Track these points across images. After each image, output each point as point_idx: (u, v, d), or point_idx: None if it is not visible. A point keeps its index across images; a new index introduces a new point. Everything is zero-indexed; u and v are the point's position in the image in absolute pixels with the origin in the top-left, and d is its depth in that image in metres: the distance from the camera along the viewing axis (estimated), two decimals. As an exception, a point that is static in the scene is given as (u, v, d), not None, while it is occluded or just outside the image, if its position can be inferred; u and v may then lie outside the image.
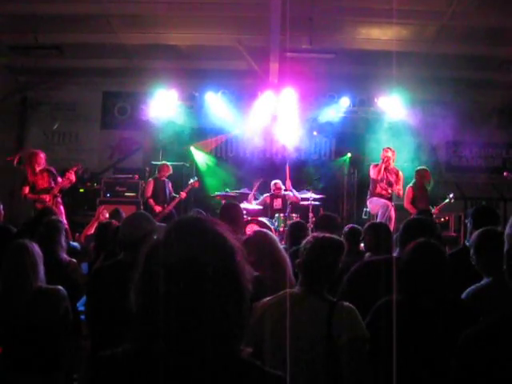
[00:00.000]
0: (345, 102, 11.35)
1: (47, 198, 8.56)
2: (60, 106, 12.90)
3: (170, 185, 10.32)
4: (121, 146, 12.95)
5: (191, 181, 10.38)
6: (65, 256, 4.57)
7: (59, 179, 8.80)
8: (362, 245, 5.44)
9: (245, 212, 9.18)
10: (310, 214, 9.77)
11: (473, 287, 3.25)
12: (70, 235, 6.69)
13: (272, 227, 9.31)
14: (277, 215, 9.91)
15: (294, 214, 9.89)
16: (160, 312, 1.28)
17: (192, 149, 12.51)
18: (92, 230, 6.62)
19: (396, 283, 2.92)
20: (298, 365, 2.68)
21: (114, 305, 2.58)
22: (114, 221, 5.73)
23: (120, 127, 12.99)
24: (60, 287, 3.69)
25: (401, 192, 9.59)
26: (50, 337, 3.58)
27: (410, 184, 9.45)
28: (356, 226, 5.66)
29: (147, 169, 11.63)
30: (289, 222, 9.41)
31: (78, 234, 7.56)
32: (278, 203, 10.51)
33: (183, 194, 10.12)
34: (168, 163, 10.40)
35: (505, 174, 9.95)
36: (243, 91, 11.44)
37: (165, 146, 11.88)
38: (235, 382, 1.33)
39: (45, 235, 4.40)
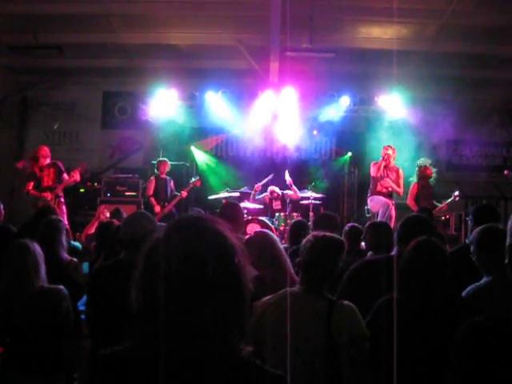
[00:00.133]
0: (345, 101, 11.35)
1: (49, 196, 8.58)
2: (60, 106, 12.91)
3: (171, 183, 10.31)
4: (121, 146, 12.95)
5: (192, 180, 10.36)
6: (65, 255, 4.57)
7: (65, 176, 8.82)
8: (363, 244, 5.45)
9: (245, 211, 9.19)
10: (311, 213, 9.77)
11: (473, 286, 3.24)
12: (70, 235, 6.70)
13: (272, 226, 9.31)
14: (277, 214, 9.91)
15: (294, 213, 9.89)
16: (160, 310, 1.27)
17: (192, 148, 12.52)
18: (93, 230, 6.63)
19: (396, 282, 2.92)
20: (298, 363, 2.68)
21: (114, 304, 2.58)
22: (114, 220, 5.73)
23: (120, 127, 12.99)
24: (61, 287, 3.69)
25: (401, 191, 9.58)
26: (52, 336, 3.58)
27: (415, 180, 9.42)
28: (356, 224, 5.67)
29: (148, 168, 11.62)
30: (289, 222, 9.45)
31: (78, 234, 7.58)
32: (277, 204, 10.52)
33: (184, 193, 10.11)
34: (166, 159, 10.38)
35: (505, 172, 9.95)
36: (243, 90, 11.44)
37: (165, 145, 11.88)
38: (235, 381, 1.33)
39: (45, 235, 4.40)
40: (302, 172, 11.62)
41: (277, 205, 10.48)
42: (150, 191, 10.07)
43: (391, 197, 9.50)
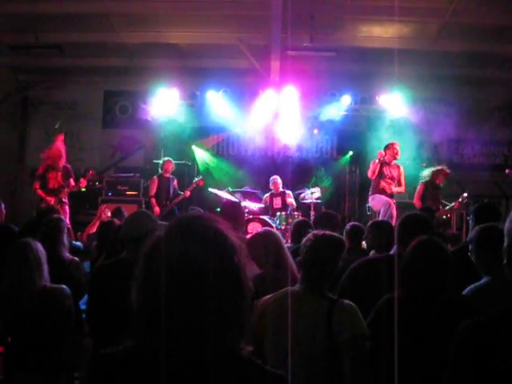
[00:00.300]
0: (346, 100, 11.34)
1: (52, 200, 8.58)
2: (61, 105, 12.93)
3: (175, 182, 10.26)
4: (122, 145, 12.96)
5: (196, 179, 10.32)
6: (67, 255, 4.57)
7: (71, 182, 8.83)
8: (364, 243, 5.45)
9: (246, 210, 9.19)
10: (312, 212, 9.76)
11: (472, 286, 3.23)
12: (72, 234, 6.70)
13: (273, 225, 9.30)
14: (278, 213, 9.90)
15: (295, 212, 9.87)
16: (160, 309, 1.27)
17: (193, 147, 12.52)
18: (94, 229, 6.62)
19: (397, 281, 2.91)
20: (299, 363, 2.68)
21: (115, 303, 2.58)
22: (115, 219, 5.73)
23: (121, 126, 12.99)
24: (64, 286, 3.70)
25: (403, 189, 9.57)
26: (54, 336, 3.59)
27: (423, 180, 9.38)
28: (358, 223, 5.66)
29: (149, 167, 11.62)
30: (290, 221, 9.45)
31: (80, 233, 7.57)
32: (277, 202, 10.49)
33: (187, 193, 10.07)
34: (170, 159, 10.36)
35: (507, 171, 9.92)
36: (244, 90, 11.43)
37: (166, 144, 11.89)
38: (236, 380, 1.33)
39: (47, 234, 4.40)
40: (303, 171, 11.61)
41: (277, 203, 10.46)
42: (152, 191, 10.01)
43: (393, 196, 9.49)
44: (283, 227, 9.48)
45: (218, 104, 11.45)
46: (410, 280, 2.93)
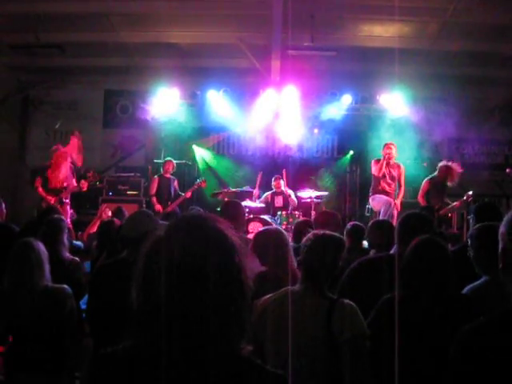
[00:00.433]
0: (347, 100, 11.34)
1: (53, 200, 8.59)
2: (62, 105, 12.93)
3: (175, 182, 10.28)
4: (123, 145, 12.96)
5: (198, 181, 10.32)
6: (67, 254, 4.57)
7: (73, 182, 8.84)
8: (365, 242, 5.44)
9: (247, 210, 9.18)
10: (313, 212, 9.75)
11: (470, 286, 3.22)
12: (73, 234, 6.70)
13: (274, 225, 9.29)
14: (279, 213, 9.89)
15: (296, 212, 9.87)
16: (160, 309, 1.27)
17: (194, 147, 12.51)
18: (94, 229, 6.62)
19: (397, 280, 2.91)
20: (299, 362, 2.68)
21: (116, 303, 2.58)
22: (116, 219, 5.73)
23: (122, 126, 12.99)
24: (65, 286, 3.70)
25: (403, 189, 9.57)
26: (55, 336, 3.59)
27: (428, 177, 9.33)
28: (358, 223, 5.66)
29: (149, 167, 11.63)
30: (291, 220, 9.45)
31: (80, 233, 7.58)
32: (278, 201, 10.49)
33: (188, 194, 10.08)
34: (171, 159, 10.36)
35: (507, 170, 9.91)
36: (245, 89, 11.43)
37: (167, 144, 11.89)
38: (236, 380, 1.33)
39: (47, 234, 4.40)
40: (304, 171, 11.61)
41: (278, 202, 10.45)
42: (153, 190, 10.03)
43: (393, 195, 9.48)
44: (284, 226, 9.46)
45: (218, 103, 11.45)
46: (410, 279, 2.93)
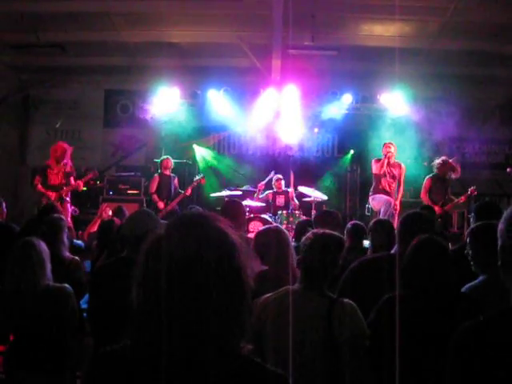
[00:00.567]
0: (347, 99, 11.33)
1: (53, 195, 8.62)
2: (62, 105, 12.93)
3: (175, 180, 10.26)
4: (123, 144, 12.96)
5: (197, 178, 10.32)
6: (67, 254, 4.57)
7: (71, 180, 8.86)
8: (365, 241, 5.43)
9: (247, 209, 9.18)
10: (313, 211, 9.75)
11: (468, 285, 3.22)
12: (73, 233, 6.70)
13: (274, 224, 9.28)
14: (279, 212, 9.90)
15: (296, 211, 9.87)
16: (160, 308, 1.27)
17: (194, 146, 12.52)
18: (95, 228, 6.62)
19: (398, 280, 2.91)
20: (299, 362, 2.68)
21: (116, 302, 2.58)
22: (116, 218, 5.73)
23: (122, 125, 13.00)
24: (67, 285, 3.70)
25: (401, 190, 9.58)
26: (57, 335, 3.59)
27: (429, 175, 9.36)
28: (359, 222, 5.64)
29: (150, 166, 11.63)
30: (291, 219, 9.45)
31: (81, 232, 7.58)
32: (280, 200, 10.49)
33: (188, 191, 10.08)
34: (169, 157, 10.36)
35: (508, 170, 9.91)
36: (245, 88, 11.42)
37: (167, 143, 11.89)
38: (236, 379, 1.33)
39: (47, 233, 4.40)
40: (304, 170, 11.60)
41: (280, 201, 10.45)
42: (153, 188, 10.02)
43: (394, 195, 9.48)
44: (284, 226, 9.46)
45: (218, 103, 11.45)
46: (410, 279, 2.93)
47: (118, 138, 13.00)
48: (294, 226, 8.91)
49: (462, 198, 9.06)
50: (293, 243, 5.52)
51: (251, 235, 5.09)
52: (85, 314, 3.95)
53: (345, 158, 12.68)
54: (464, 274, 3.28)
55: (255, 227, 8.73)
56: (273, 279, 3.23)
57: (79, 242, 6.10)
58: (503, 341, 1.55)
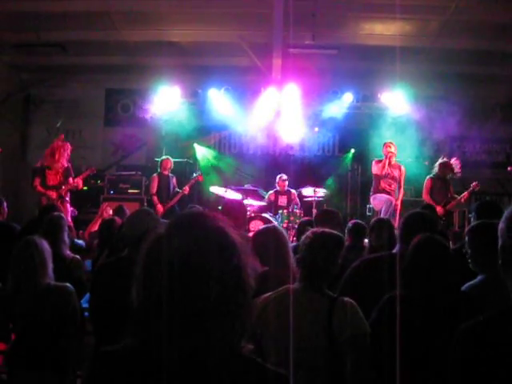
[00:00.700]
0: (348, 98, 11.33)
1: (53, 195, 8.63)
2: (63, 104, 12.92)
3: (174, 180, 10.28)
4: (124, 143, 12.97)
5: (195, 175, 10.37)
6: (68, 253, 4.58)
7: (70, 180, 8.87)
8: (366, 240, 5.43)
9: (248, 208, 9.18)
10: (314, 210, 9.75)
11: (467, 284, 3.20)
12: (74, 233, 6.70)
13: (275, 223, 9.28)
14: (280, 211, 9.89)
15: (297, 211, 9.86)
16: (160, 307, 1.27)
17: (195, 145, 12.52)
18: (96, 227, 6.63)
19: (399, 279, 2.90)
20: (300, 361, 2.67)
21: (117, 301, 2.58)
22: (117, 218, 5.73)
23: (123, 124, 13.01)
24: (68, 284, 3.71)
25: (402, 191, 9.57)
26: (58, 334, 3.59)
27: (430, 175, 9.36)
28: (360, 221, 5.64)
29: (151, 166, 11.63)
30: (292, 218, 9.44)
31: (81, 232, 7.59)
32: (282, 200, 10.47)
33: (186, 189, 10.09)
34: (169, 157, 10.38)
35: (509, 168, 9.90)
36: (246, 87, 11.42)
37: (168, 142, 11.89)
38: (236, 379, 1.32)
39: (47, 232, 4.40)
40: (305, 169, 11.60)
41: (282, 201, 10.44)
42: (153, 189, 10.03)
43: (394, 195, 9.48)
44: (285, 225, 9.47)
45: (219, 102, 11.45)
46: (411, 278, 2.92)
47: (118, 137, 13.01)
48: (295, 225, 8.95)
49: (465, 195, 9.07)
50: (294, 242, 5.54)
51: (252, 234, 5.09)
52: (86, 313, 3.95)
53: (346, 157, 12.67)
54: (465, 273, 3.27)
55: (256, 226, 8.71)
56: (273, 279, 3.23)
57: (80, 241, 6.10)
58: (503, 340, 1.54)
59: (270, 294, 2.94)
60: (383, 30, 10.11)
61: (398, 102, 11.12)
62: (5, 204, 6.23)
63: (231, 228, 1.40)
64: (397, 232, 4.33)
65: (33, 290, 3.54)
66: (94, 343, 3.57)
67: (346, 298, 2.84)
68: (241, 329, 1.35)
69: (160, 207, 9.80)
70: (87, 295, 4.13)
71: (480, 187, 9.30)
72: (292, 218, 9.47)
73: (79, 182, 8.92)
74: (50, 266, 3.65)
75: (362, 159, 12.20)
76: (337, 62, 10.87)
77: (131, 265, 1.43)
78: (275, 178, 10.52)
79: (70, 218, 8.38)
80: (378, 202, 9.46)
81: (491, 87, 11.61)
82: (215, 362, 1.29)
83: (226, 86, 11.32)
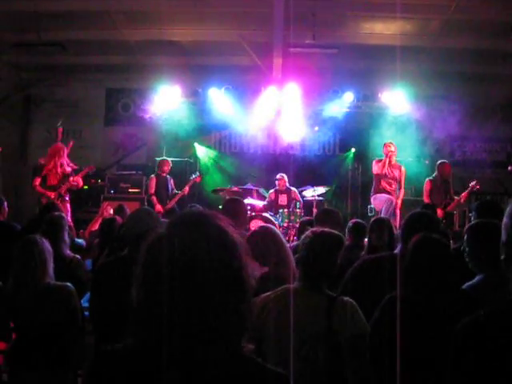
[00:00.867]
0: (348, 97, 11.33)
1: (52, 195, 8.65)
2: (63, 103, 12.92)
3: (171, 181, 10.30)
4: (124, 143, 12.97)
5: (193, 176, 10.39)
6: (68, 252, 4.57)
7: (70, 179, 8.88)
8: (366, 239, 5.42)
9: (249, 207, 9.18)
10: (314, 210, 9.74)
11: (466, 284, 3.19)
12: (74, 232, 6.70)
13: (276, 222, 9.28)
14: (281, 210, 9.89)
15: (297, 210, 9.86)
16: (160, 307, 1.27)
17: (195, 145, 12.52)
18: (96, 227, 6.63)
19: (400, 279, 2.90)
20: (300, 360, 2.67)
21: (117, 300, 2.58)
22: (117, 217, 5.73)
23: (124, 124, 13.01)
24: (68, 284, 3.71)
25: (402, 191, 9.58)
26: (59, 333, 3.59)
27: (429, 177, 9.36)
28: (360, 220, 5.63)
29: (151, 165, 11.63)
30: (292, 218, 9.44)
31: (82, 231, 7.58)
32: (283, 199, 10.46)
33: (186, 189, 10.10)
34: (168, 158, 10.39)
35: (509, 168, 9.91)
36: (246, 87, 11.43)
37: (168, 142, 11.89)
38: (237, 379, 1.32)
39: (48, 231, 4.40)
40: (305, 168, 11.60)
41: (282, 200, 10.43)
42: (152, 189, 10.04)
43: (394, 195, 9.48)
44: (285, 224, 9.48)
45: (219, 101, 11.45)
46: (412, 278, 2.91)
47: (119, 136, 13.01)
48: (296, 225, 8.95)
49: (464, 195, 9.06)
50: (295, 242, 5.53)
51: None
52: (86, 313, 3.95)
53: (346, 157, 12.67)
54: (465, 272, 3.27)
55: (256, 226, 8.70)
56: (273, 279, 3.22)
57: (80, 240, 6.10)
58: (504, 335, 1.54)
59: (269, 293, 2.94)
60: (384, 30, 10.10)
61: (398, 101, 11.12)
62: (5, 203, 6.23)
63: (231, 227, 1.40)
64: (398, 232, 4.33)
65: (33, 289, 3.54)
66: (94, 343, 3.57)
67: (346, 298, 2.84)
68: (241, 328, 1.34)
69: (159, 207, 9.79)
70: (87, 295, 4.13)
71: (480, 187, 9.29)
72: (292, 218, 9.47)
73: (78, 180, 8.93)
74: (51, 265, 3.65)
75: (362, 158, 12.20)
76: (337, 61, 10.86)
77: (131, 264, 1.43)
78: (275, 178, 10.52)
79: (69, 218, 8.39)
80: (378, 202, 9.46)
81: (492, 86, 11.60)
82: (215, 362, 1.29)
83: (226, 86, 11.33)
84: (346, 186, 12.62)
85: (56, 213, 4.89)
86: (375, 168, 9.51)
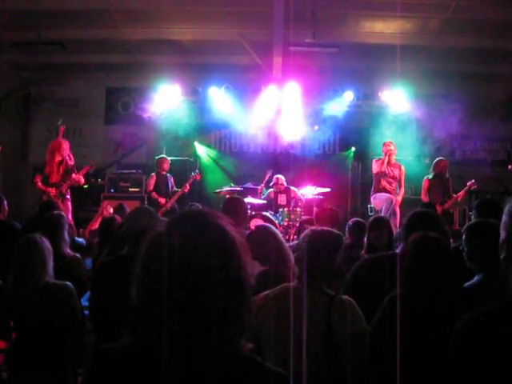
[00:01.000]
0: (349, 96, 11.33)
1: (53, 191, 8.64)
2: (63, 102, 12.91)
3: (171, 179, 10.31)
4: (124, 142, 12.97)
5: (192, 174, 10.39)
6: (68, 251, 4.57)
7: (73, 175, 8.88)
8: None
9: (249, 206, 9.17)
10: (314, 209, 9.74)
11: (466, 284, 3.18)
12: (74, 231, 6.71)
13: (276, 221, 9.28)
14: (281, 209, 9.89)
15: (298, 209, 9.85)
16: (160, 305, 1.27)
17: (196, 144, 12.52)
18: (96, 226, 6.63)
19: (400, 279, 2.89)
20: (299, 359, 2.67)
21: (117, 299, 2.58)
22: (117, 216, 5.73)
23: (124, 122, 13.00)
24: (68, 283, 3.71)
25: (403, 190, 9.58)
26: (58, 332, 3.59)
27: (427, 176, 9.37)
28: (360, 219, 5.63)
29: (151, 164, 11.63)
30: (293, 217, 9.44)
31: (82, 230, 7.59)
32: (282, 199, 10.46)
33: (187, 187, 10.10)
34: (166, 157, 10.39)
35: (509, 167, 9.92)
36: (247, 86, 11.42)
37: (168, 141, 11.88)
38: (237, 378, 1.32)
39: (47, 230, 4.39)
40: (305, 167, 11.58)
41: (282, 200, 10.43)
42: (151, 187, 10.07)
43: (394, 194, 9.48)
44: (286, 223, 9.47)
45: (220, 100, 11.45)
46: (411, 277, 2.91)
47: (119, 135, 13.01)
48: (296, 224, 8.95)
49: (462, 193, 9.07)
50: (295, 241, 5.53)
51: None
52: (86, 312, 3.95)
53: (346, 156, 12.66)
54: (465, 271, 3.26)
55: (256, 224, 8.71)
56: (273, 279, 3.22)
57: (80, 239, 6.10)
58: (503, 333, 1.54)
59: (268, 292, 2.94)
60: (384, 28, 10.09)
61: (398, 100, 11.12)
62: (5, 202, 6.23)
63: (231, 226, 1.40)
64: (398, 231, 4.32)
65: (33, 288, 3.54)
66: (94, 342, 3.57)
67: (345, 297, 2.84)
68: (240, 327, 1.34)
69: (162, 200, 9.81)
70: (87, 293, 4.13)
71: (480, 185, 9.30)
72: (293, 217, 9.47)
73: (80, 178, 8.92)
74: (51, 264, 3.65)
75: (362, 157, 12.20)
76: (337, 60, 10.85)
77: (131, 263, 1.43)
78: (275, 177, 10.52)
79: (70, 217, 8.39)
80: (378, 201, 9.47)
81: (492, 85, 11.60)
82: (215, 361, 1.29)
83: (226, 85, 11.32)
84: (346, 185, 12.61)
85: (56, 211, 4.89)
86: (375, 167, 9.52)
